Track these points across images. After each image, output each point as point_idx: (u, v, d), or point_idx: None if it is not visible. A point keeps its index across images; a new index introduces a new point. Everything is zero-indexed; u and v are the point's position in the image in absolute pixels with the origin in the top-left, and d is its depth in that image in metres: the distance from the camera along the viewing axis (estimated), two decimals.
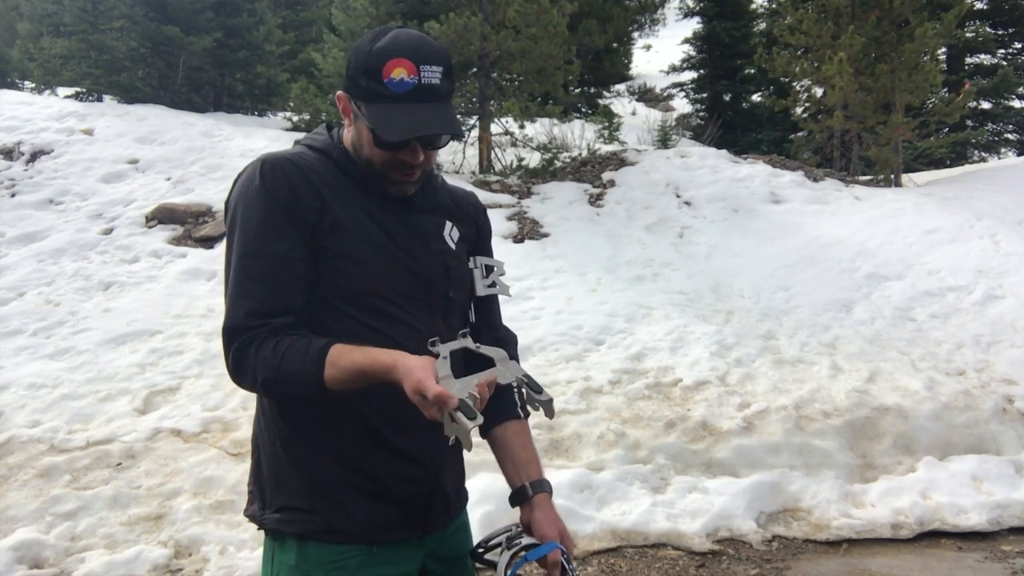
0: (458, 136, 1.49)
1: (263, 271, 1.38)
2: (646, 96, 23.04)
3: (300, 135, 9.86)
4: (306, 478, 1.44)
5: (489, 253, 1.68)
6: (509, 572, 1.44)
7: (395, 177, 1.45)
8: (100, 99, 11.96)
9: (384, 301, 1.44)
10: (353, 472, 1.44)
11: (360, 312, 1.42)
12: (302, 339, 1.34)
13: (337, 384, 1.30)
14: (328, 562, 1.42)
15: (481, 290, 1.61)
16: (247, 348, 1.34)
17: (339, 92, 1.48)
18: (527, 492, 1.55)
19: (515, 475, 1.58)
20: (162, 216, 7.15)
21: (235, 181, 1.48)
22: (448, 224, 1.58)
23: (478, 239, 1.66)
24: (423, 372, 1.22)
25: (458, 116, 10.53)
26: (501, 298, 1.69)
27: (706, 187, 8.53)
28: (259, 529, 1.49)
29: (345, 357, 1.30)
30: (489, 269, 1.62)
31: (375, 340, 1.38)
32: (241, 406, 4.67)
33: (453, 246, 1.57)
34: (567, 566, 1.46)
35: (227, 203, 1.48)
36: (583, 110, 16.31)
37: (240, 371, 1.36)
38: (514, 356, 1.65)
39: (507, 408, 1.61)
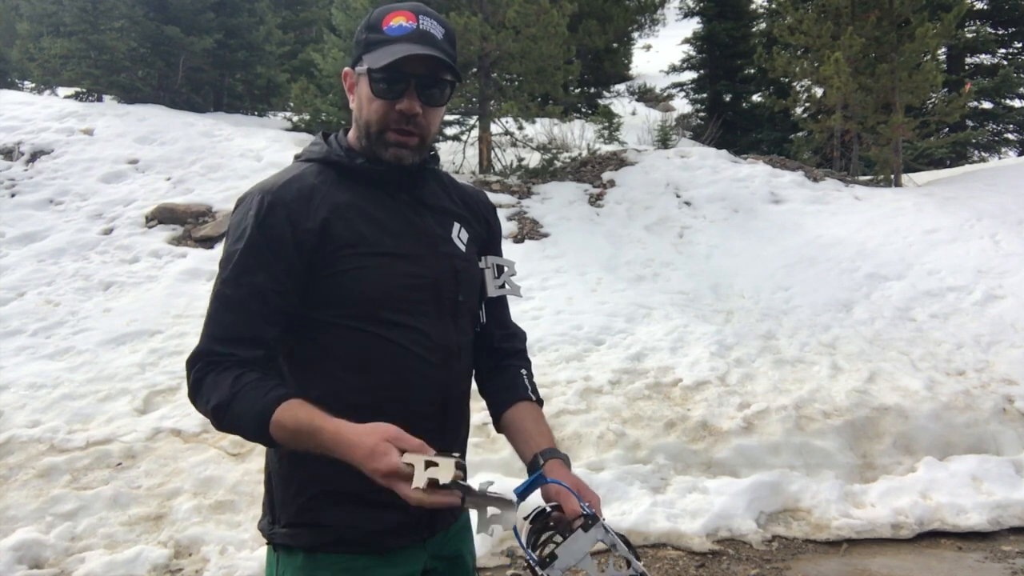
0: (456, 75, 1.45)
1: (235, 300, 1.37)
2: (646, 96, 23.03)
3: (300, 135, 9.89)
4: (314, 493, 1.43)
5: (499, 252, 1.65)
6: (523, 538, 1.36)
7: (391, 137, 1.43)
8: (100, 99, 11.96)
9: (393, 311, 1.42)
10: (361, 483, 1.42)
11: (370, 324, 1.41)
12: (266, 381, 1.32)
13: (280, 437, 1.29)
14: (334, 564, 1.43)
15: (492, 291, 1.59)
16: (208, 372, 1.34)
17: (344, 70, 1.49)
18: (539, 461, 1.49)
19: (526, 449, 1.52)
20: (162, 216, 7.15)
21: (235, 208, 1.48)
22: (457, 225, 1.56)
23: (489, 238, 1.64)
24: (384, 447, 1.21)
25: (458, 116, 10.58)
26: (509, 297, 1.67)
27: (706, 187, 8.53)
28: (268, 544, 1.49)
29: (289, 413, 1.28)
30: (500, 269, 1.60)
31: (386, 350, 1.39)
32: None
33: (463, 248, 1.54)
34: (585, 510, 1.36)
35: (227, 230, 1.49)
36: (583, 110, 16.31)
37: (197, 392, 1.36)
38: (523, 352, 1.67)
39: (518, 391, 1.59)
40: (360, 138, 1.47)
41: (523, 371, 1.62)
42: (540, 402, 1.60)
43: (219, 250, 7.15)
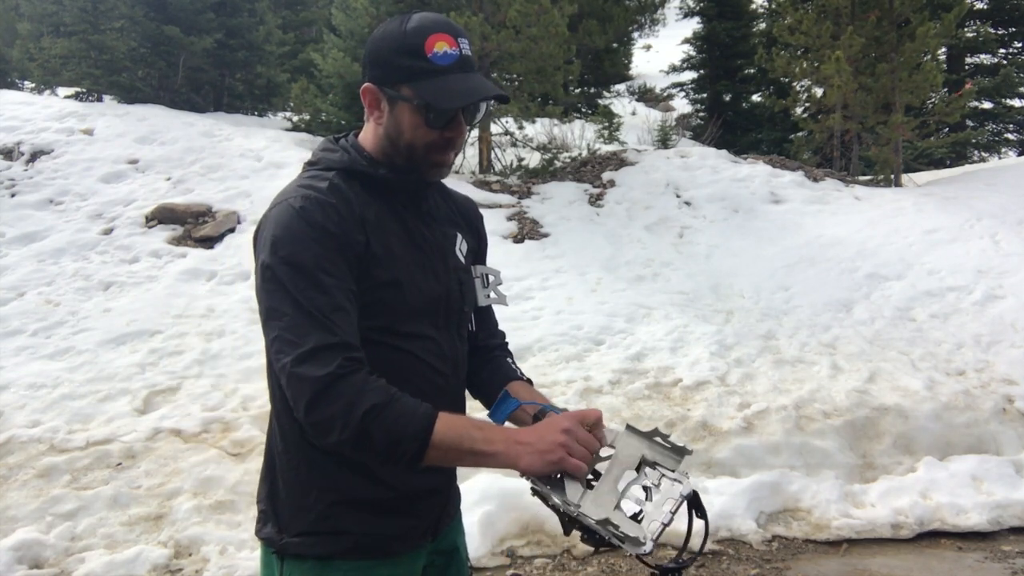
0: (504, 99, 1.47)
1: (331, 302, 1.31)
2: (646, 96, 23.01)
3: (300, 135, 9.88)
4: (333, 500, 1.43)
5: (485, 261, 1.70)
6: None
7: (436, 159, 1.44)
8: (100, 99, 11.95)
9: (414, 324, 1.45)
10: (382, 491, 1.45)
11: (391, 337, 1.42)
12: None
13: (439, 435, 1.27)
14: (345, 569, 1.44)
15: (482, 300, 1.62)
16: (357, 372, 1.27)
17: (364, 86, 1.44)
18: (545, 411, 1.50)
19: (524, 414, 1.54)
20: (162, 216, 7.15)
21: (262, 226, 1.40)
22: (459, 237, 1.59)
23: (479, 249, 1.68)
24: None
25: None
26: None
27: (706, 187, 8.53)
28: (274, 553, 1.46)
29: (448, 416, 1.30)
30: (487, 278, 1.64)
31: (404, 361, 1.41)
32: (241, 406, 4.67)
33: (463, 260, 1.59)
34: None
35: (266, 251, 1.36)
36: (583, 110, 16.31)
37: (335, 391, 1.25)
38: (506, 346, 1.72)
39: (509, 374, 1.63)
40: (393, 155, 1.45)
41: (508, 359, 1.68)
42: (530, 381, 1.64)
43: (219, 250, 7.08)
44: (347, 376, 1.25)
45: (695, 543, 1.34)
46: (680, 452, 1.36)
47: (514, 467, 1.28)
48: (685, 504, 1.31)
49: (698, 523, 1.34)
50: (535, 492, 1.30)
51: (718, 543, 3.86)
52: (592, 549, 1.30)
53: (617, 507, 1.28)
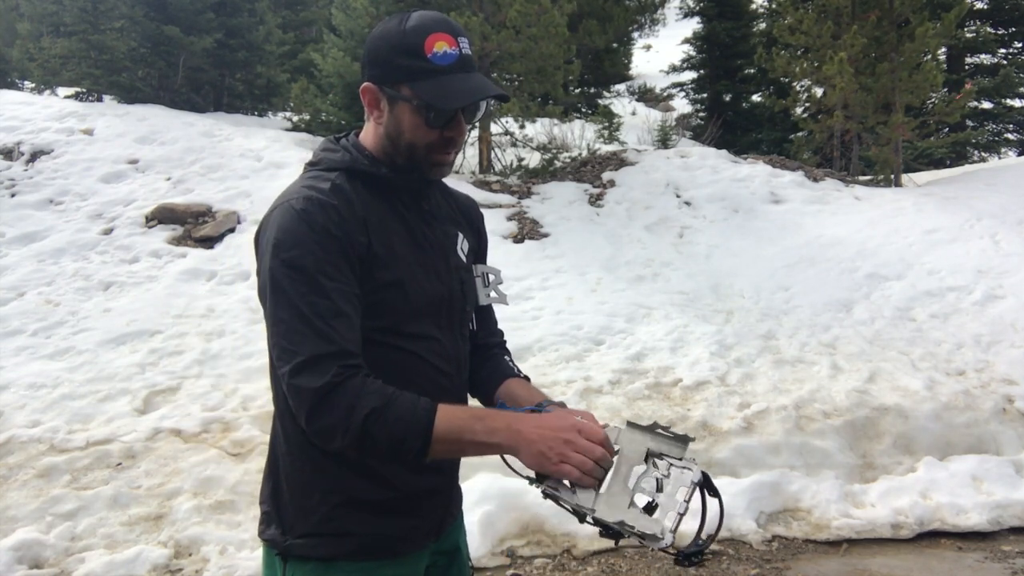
0: (504, 98, 1.48)
1: (332, 307, 1.31)
2: (646, 96, 23.00)
3: (300, 135, 9.88)
4: (338, 502, 1.43)
5: (486, 260, 1.70)
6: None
7: (436, 158, 1.44)
8: (100, 99, 11.95)
9: (416, 324, 1.45)
10: (385, 492, 1.45)
11: (395, 337, 1.42)
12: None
13: (441, 431, 1.29)
14: (349, 570, 1.44)
15: (483, 299, 1.62)
16: (353, 377, 1.28)
17: (364, 85, 1.43)
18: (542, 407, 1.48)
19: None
20: (162, 216, 7.15)
21: (264, 227, 1.40)
22: (460, 236, 1.59)
23: (479, 248, 1.68)
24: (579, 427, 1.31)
25: None
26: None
27: (706, 187, 8.53)
28: (277, 554, 1.46)
29: (449, 408, 1.32)
30: (487, 278, 1.65)
31: (407, 362, 1.41)
32: (241, 406, 4.67)
33: (464, 259, 1.58)
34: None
35: (268, 254, 1.36)
36: (583, 110, 16.31)
37: (333, 399, 1.26)
38: (504, 344, 1.73)
39: (507, 372, 1.63)
40: (394, 154, 1.45)
41: (506, 357, 1.68)
42: (527, 379, 1.64)
43: (219, 250, 7.08)
44: (343, 383, 1.27)
45: (711, 524, 1.36)
46: (683, 440, 1.38)
47: (515, 456, 1.31)
48: (698, 490, 1.32)
49: (713, 504, 1.36)
50: (547, 495, 1.31)
51: (718, 543, 3.86)
52: (612, 543, 1.32)
53: (631, 504, 1.29)
